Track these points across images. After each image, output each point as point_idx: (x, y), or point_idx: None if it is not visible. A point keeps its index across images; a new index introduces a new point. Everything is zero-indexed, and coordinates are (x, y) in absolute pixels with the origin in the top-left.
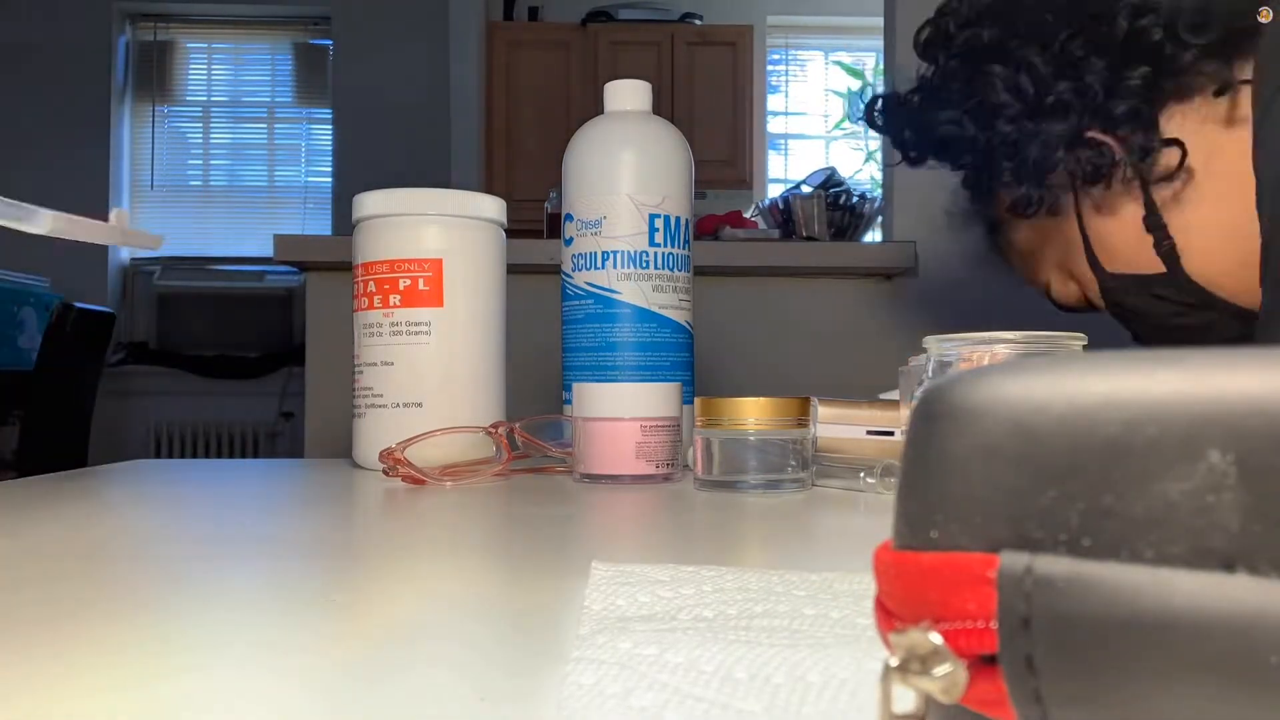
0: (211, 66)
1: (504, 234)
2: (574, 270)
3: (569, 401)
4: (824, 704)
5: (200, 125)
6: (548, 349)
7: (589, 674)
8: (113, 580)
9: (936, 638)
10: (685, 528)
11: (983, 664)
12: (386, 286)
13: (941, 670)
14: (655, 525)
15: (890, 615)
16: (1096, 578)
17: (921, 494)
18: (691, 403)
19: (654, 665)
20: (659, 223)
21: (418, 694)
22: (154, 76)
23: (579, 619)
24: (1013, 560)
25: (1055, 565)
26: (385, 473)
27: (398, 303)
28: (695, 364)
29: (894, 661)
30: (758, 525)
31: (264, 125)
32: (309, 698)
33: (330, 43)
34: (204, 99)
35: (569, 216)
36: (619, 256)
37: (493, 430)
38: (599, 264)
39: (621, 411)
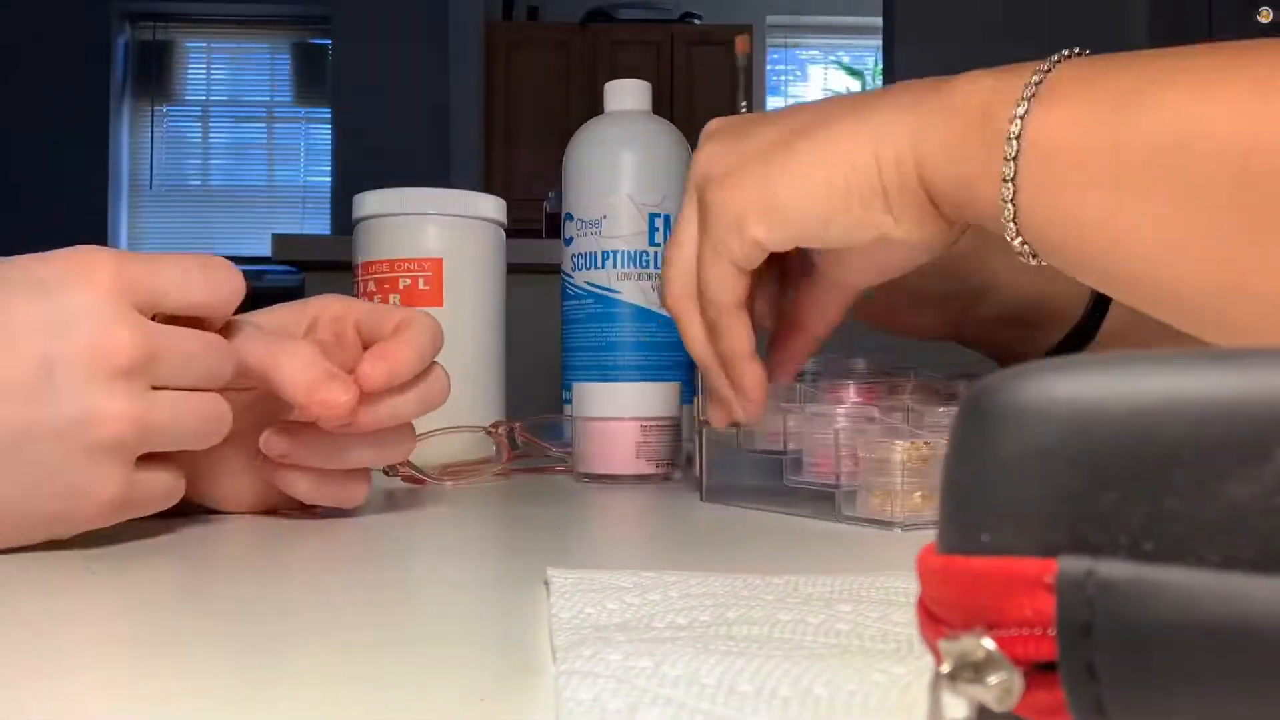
0: (211, 66)
1: (504, 234)
2: (574, 270)
3: (569, 401)
4: (835, 718)
5: (200, 125)
6: (548, 349)
7: (585, 689)
8: (107, 580)
9: (990, 644)
10: (682, 527)
11: (1039, 671)
12: (386, 286)
13: (995, 678)
14: (653, 525)
15: (938, 621)
16: (1162, 582)
17: (972, 496)
18: (691, 402)
19: (653, 679)
20: (659, 222)
21: (409, 695)
22: (153, 76)
23: (551, 628)
24: (1073, 564)
25: (1118, 570)
26: (385, 472)
27: (397, 302)
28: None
29: (945, 669)
30: (752, 524)
31: (263, 125)
32: (304, 699)
33: (330, 43)
34: (203, 99)
35: (569, 216)
36: (619, 256)
37: (493, 430)
38: (599, 264)
39: (621, 411)
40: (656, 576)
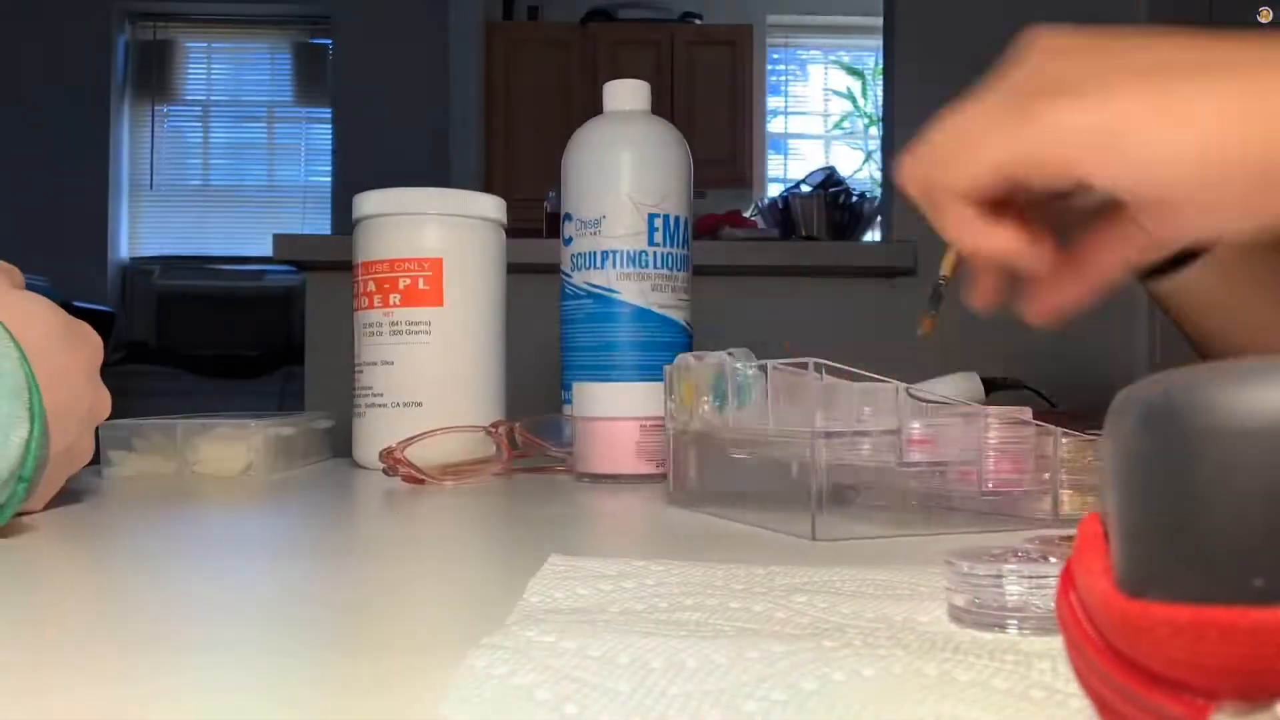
0: (211, 66)
1: (504, 234)
2: (573, 270)
3: (569, 401)
4: (691, 685)
5: (200, 125)
6: (548, 349)
7: (484, 658)
8: (109, 579)
9: None
10: (681, 526)
11: None
12: (386, 286)
13: None
14: (652, 524)
15: (1178, 687)
16: None
17: (1233, 532)
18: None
19: (547, 651)
20: (658, 222)
21: (391, 694)
22: (154, 76)
23: (514, 610)
24: None
25: None
26: (385, 472)
27: (398, 302)
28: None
29: None
30: (744, 524)
31: (264, 125)
32: (298, 698)
33: (330, 42)
34: (204, 99)
35: (568, 216)
36: (618, 256)
37: (493, 430)
38: (598, 264)
39: (621, 411)
40: (644, 565)
